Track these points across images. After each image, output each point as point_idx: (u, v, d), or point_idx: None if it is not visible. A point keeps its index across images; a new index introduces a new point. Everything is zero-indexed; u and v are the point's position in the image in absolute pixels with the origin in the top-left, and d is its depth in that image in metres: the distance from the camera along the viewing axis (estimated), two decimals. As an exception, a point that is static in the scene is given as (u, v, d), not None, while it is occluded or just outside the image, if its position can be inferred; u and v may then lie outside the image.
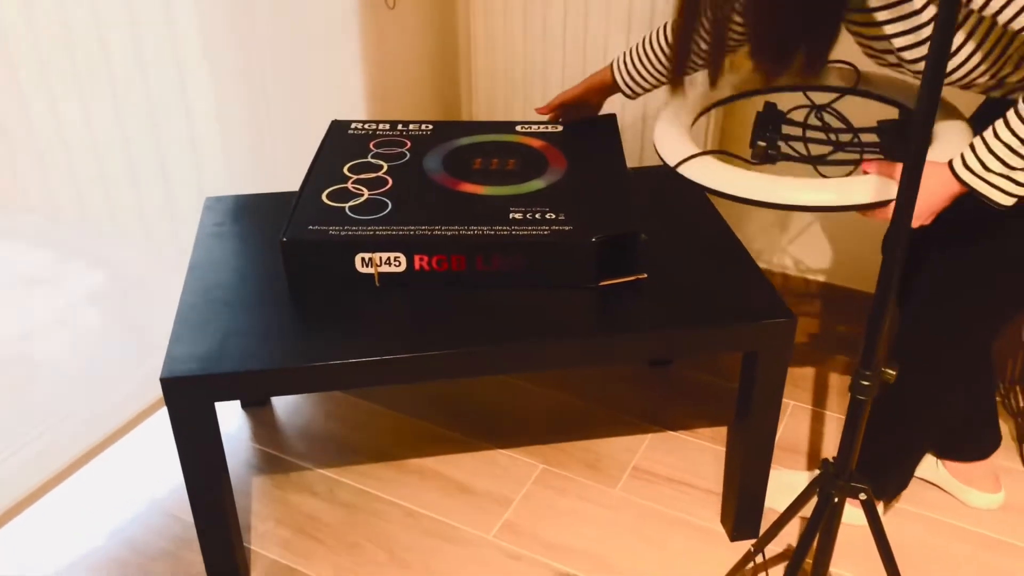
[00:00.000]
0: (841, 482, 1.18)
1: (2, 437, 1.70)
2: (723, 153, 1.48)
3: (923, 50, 1.19)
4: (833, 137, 1.41)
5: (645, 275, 1.49)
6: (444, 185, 1.55)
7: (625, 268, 1.48)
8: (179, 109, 1.85)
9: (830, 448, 1.83)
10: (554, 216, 1.46)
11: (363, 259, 1.43)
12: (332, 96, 2.07)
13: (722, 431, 1.88)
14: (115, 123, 1.76)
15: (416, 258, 1.43)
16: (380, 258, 1.43)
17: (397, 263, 1.44)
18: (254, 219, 1.70)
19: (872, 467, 1.50)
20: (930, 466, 1.72)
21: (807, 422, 1.90)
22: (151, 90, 1.78)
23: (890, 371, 1.07)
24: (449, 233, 1.42)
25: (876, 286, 1.05)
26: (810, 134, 1.43)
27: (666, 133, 1.47)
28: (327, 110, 2.07)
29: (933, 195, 1.23)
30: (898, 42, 1.20)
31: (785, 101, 1.51)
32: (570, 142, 1.70)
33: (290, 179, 2.03)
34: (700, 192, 1.77)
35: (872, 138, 1.41)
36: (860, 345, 1.11)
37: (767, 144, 1.37)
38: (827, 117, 1.47)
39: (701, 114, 1.56)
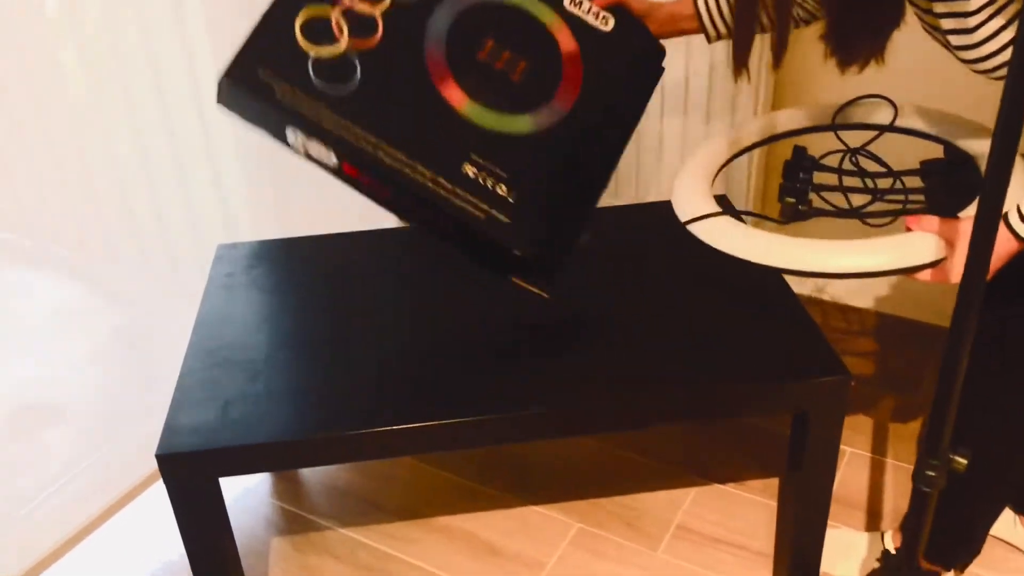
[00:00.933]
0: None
1: (21, 493, 1.65)
2: (747, 214, 1.32)
3: (978, 52, 1.05)
4: (871, 183, 1.26)
5: (547, 296, 1.32)
6: (429, 77, 1.29)
7: (540, 277, 1.30)
8: (201, 150, 1.82)
9: (893, 503, 1.68)
10: (504, 192, 1.26)
11: (295, 134, 1.24)
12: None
13: (773, 483, 1.74)
14: (141, 164, 1.75)
15: (346, 165, 1.25)
16: (312, 145, 1.24)
17: (328, 158, 1.25)
18: (267, 268, 1.61)
19: (940, 540, 1.36)
20: (1007, 524, 1.56)
21: (866, 472, 1.76)
22: (174, 127, 1.76)
23: (960, 459, 0.93)
24: (388, 161, 1.23)
25: (943, 359, 0.91)
26: (846, 181, 1.28)
27: (684, 185, 1.32)
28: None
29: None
30: (954, 40, 1.06)
31: (816, 146, 1.37)
32: (600, 63, 1.39)
33: (311, 224, 1.95)
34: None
35: (916, 182, 1.26)
36: (925, 427, 0.98)
37: (796, 199, 1.23)
38: (863, 161, 1.32)
39: (727, 163, 1.41)
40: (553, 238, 1.28)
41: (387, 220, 2.03)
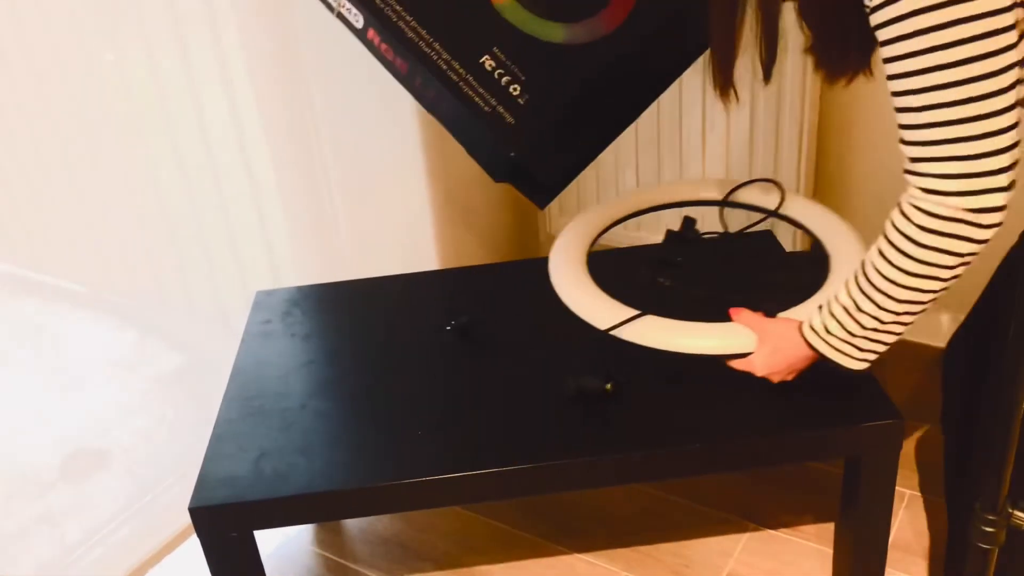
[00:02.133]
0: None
1: (68, 539, 1.66)
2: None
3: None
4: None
5: (539, 207, 1.32)
6: None
7: (534, 188, 1.29)
8: (247, 196, 1.86)
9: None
10: (516, 93, 1.22)
11: None
12: (393, 180, 1.97)
13: (828, 528, 1.67)
14: (191, 210, 1.79)
15: (371, 30, 1.24)
16: (345, 4, 1.24)
17: (356, 20, 1.24)
18: (304, 314, 1.60)
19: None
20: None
21: (923, 515, 1.68)
22: (219, 172, 1.80)
23: (1021, 514, 0.87)
24: (409, 35, 1.21)
25: (993, 400, 0.86)
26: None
27: (559, 268, 1.40)
28: (386, 186, 1.97)
29: (788, 357, 1.15)
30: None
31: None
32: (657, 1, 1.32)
33: (352, 268, 1.95)
34: (778, 252, 1.59)
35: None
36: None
37: (666, 281, 1.37)
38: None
39: (600, 235, 1.48)
40: (553, 154, 1.24)
41: (427, 264, 2.02)
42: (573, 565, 1.65)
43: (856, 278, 1.06)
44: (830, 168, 1.95)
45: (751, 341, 1.22)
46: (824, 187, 1.98)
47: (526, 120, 1.23)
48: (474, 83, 1.22)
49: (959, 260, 0.97)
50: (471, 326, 1.46)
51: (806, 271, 1.35)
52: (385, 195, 1.97)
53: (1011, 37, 0.87)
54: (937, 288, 0.99)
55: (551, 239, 2.28)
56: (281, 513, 1.21)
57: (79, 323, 1.79)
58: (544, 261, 1.63)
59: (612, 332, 1.27)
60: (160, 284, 1.84)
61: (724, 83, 1.14)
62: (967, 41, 0.86)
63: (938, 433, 1.80)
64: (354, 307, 1.61)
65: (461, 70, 1.22)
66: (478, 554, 1.69)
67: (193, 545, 1.79)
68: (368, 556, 1.71)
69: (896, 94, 0.93)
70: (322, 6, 1.30)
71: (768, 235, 1.62)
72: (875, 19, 0.91)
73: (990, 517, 0.88)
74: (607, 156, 2.03)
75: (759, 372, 1.21)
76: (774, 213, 1.48)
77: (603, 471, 1.23)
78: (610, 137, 1.34)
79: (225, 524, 1.21)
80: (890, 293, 1.01)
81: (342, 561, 1.71)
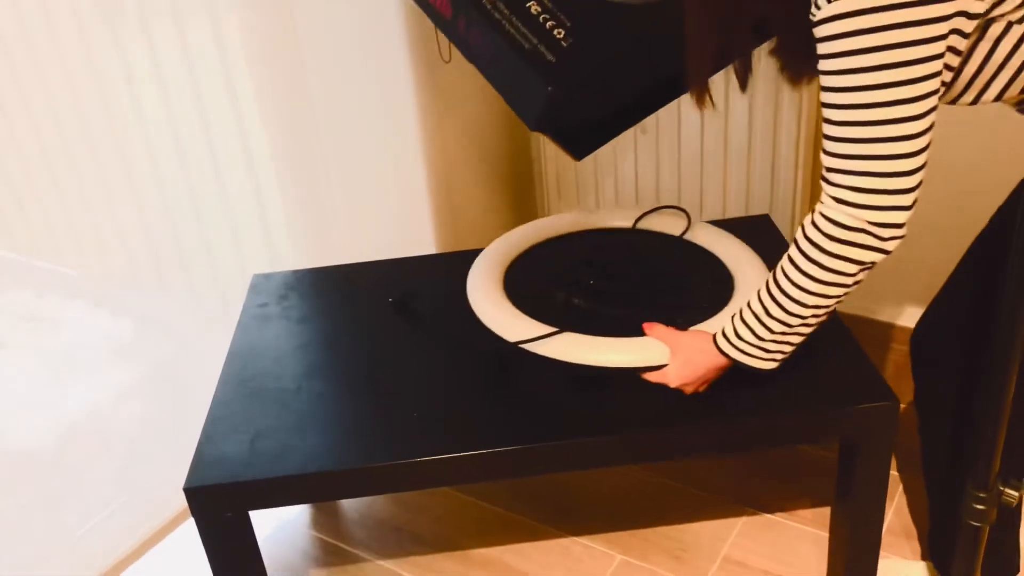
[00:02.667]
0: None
1: (64, 523, 1.66)
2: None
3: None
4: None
5: (577, 160, 1.34)
6: None
7: (569, 138, 1.28)
8: (246, 180, 1.85)
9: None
10: (560, 36, 1.21)
11: None
12: (391, 165, 1.97)
13: (824, 512, 1.67)
14: (189, 195, 1.79)
15: None
16: None
17: None
18: (301, 297, 1.60)
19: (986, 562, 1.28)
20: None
21: (922, 499, 1.68)
22: (216, 157, 1.79)
23: (1011, 491, 0.87)
24: None
25: (985, 383, 0.86)
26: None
27: (478, 291, 1.45)
28: (383, 171, 1.97)
29: (699, 367, 1.21)
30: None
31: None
32: None
33: (349, 252, 1.95)
34: (777, 238, 1.59)
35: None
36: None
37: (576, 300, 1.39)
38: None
39: (515, 261, 1.56)
40: (591, 103, 1.24)
41: (423, 248, 2.02)
42: (569, 548, 1.65)
43: (767, 285, 1.11)
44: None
45: (664, 354, 1.26)
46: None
47: (567, 61, 1.21)
48: (517, 23, 1.21)
49: (860, 268, 1.03)
50: (410, 300, 1.53)
51: (711, 289, 1.43)
52: (382, 179, 1.97)
53: (934, 66, 0.91)
54: (840, 293, 1.06)
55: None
56: (276, 493, 1.21)
57: (76, 309, 1.79)
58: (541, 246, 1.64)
59: (528, 348, 1.32)
60: (158, 270, 1.84)
61: (699, 93, 1.15)
62: (890, 67, 0.90)
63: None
64: (350, 290, 1.61)
65: (505, 10, 1.21)
66: (475, 537, 1.69)
67: (190, 528, 1.79)
68: (365, 539, 1.72)
69: (824, 105, 0.98)
70: None
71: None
72: (816, 31, 0.95)
73: (981, 495, 0.88)
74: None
75: (673, 383, 1.25)
76: (679, 238, 1.57)
77: (599, 451, 1.23)
78: (655, 103, 1.32)
79: (220, 504, 1.22)
80: (797, 298, 1.07)
81: (339, 544, 1.71)
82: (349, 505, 1.80)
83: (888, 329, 2.10)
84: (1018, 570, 1.40)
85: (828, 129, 0.98)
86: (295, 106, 1.84)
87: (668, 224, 1.60)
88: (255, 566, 1.30)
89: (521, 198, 2.26)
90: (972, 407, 1.25)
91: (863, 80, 0.92)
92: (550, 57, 1.20)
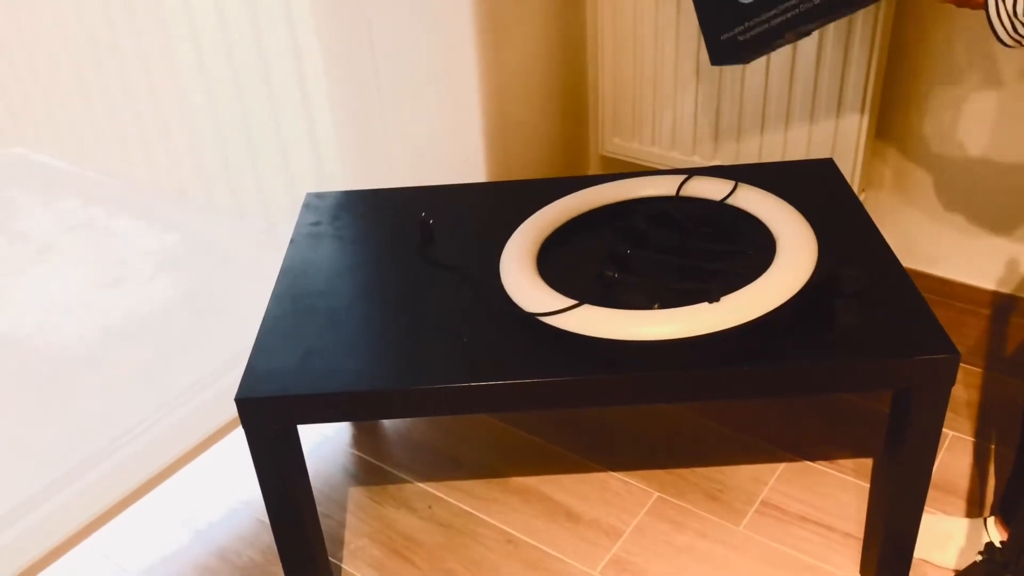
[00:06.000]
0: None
1: (112, 431, 1.69)
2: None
3: None
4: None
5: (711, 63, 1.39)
6: None
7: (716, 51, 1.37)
8: (298, 103, 1.84)
9: (996, 490, 1.59)
10: None
11: None
12: (444, 89, 1.93)
13: (867, 463, 1.66)
14: (241, 115, 1.78)
15: None
16: None
17: None
18: (354, 217, 1.59)
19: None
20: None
21: (967, 457, 1.66)
22: (270, 76, 1.78)
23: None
24: None
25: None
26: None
27: (512, 270, 1.37)
28: (440, 103, 1.94)
29: None
30: None
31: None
32: None
33: (399, 175, 1.93)
34: (841, 184, 1.55)
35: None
36: None
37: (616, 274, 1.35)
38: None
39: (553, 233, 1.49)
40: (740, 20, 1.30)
41: (474, 175, 2.00)
42: (607, 482, 1.66)
43: None
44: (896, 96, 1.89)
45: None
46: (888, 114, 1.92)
47: None
48: None
49: None
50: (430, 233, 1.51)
51: (753, 256, 1.39)
52: (435, 105, 1.94)
53: None
54: None
55: (601, 158, 2.24)
56: (326, 409, 1.22)
57: (123, 220, 1.79)
58: (592, 179, 1.61)
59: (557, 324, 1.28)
60: (206, 186, 1.83)
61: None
62: None
63: (991, 380, 1.77)
64: (402, 213, 1.59)
65: None
66: (514, 466, 1.70)
67: (234, 439, 1.82)
68: (404, 459, 1.73)
69: None
70: None
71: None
72: None
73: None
74: (666, 76, 1.98)
75: None
76: (722, 203, 1.51)
77: (648, 388, 1.22)
78: (799, 26, 1.31)
79: (271, 416, 1.22)
80: None
81: (378, 463, 1.73)
82: (391, 427, 1.81)
83: (946, 285, 2.06)
84: None
85: None
86: (350, 25, 1.81)
87: (711, 189, 1.55)
88: (301, 479, 1.31)
89: (574, 131, 2.22)
90: None
91: None
92: None
